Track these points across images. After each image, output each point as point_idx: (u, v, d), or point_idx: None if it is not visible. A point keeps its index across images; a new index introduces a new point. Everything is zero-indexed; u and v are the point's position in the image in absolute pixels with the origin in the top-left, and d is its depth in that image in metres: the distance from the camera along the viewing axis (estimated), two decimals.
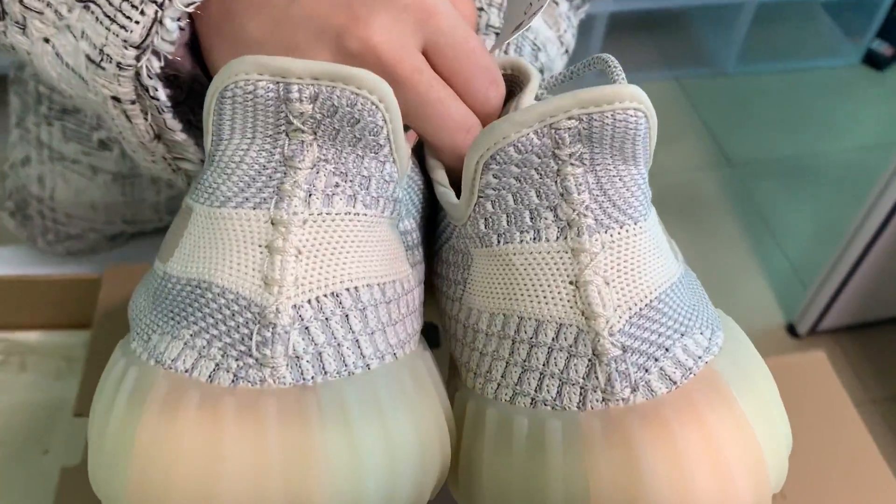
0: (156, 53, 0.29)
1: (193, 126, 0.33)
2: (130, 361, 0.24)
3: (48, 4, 0.30)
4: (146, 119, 0.31)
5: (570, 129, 0.24)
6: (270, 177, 0.24)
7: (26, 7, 0.30)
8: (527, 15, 0.32)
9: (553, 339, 0.25)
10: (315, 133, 0.24)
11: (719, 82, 1.88)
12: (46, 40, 0.31)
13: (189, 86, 0.33)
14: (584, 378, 0.24)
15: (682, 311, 0.25)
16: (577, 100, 0.24)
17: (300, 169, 0.24)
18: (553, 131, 0.24)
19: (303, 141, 0.24)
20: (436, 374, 0.26)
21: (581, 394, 0.24)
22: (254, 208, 0.24)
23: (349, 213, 0.25)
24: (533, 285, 0.25)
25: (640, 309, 0.25)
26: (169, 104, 0.30)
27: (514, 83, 0.33)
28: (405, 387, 0.25)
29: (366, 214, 0.25)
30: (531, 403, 0.25)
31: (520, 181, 0.25)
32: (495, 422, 0.25)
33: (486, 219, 0.26)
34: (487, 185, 0.26)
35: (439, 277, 0.31)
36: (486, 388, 0.26)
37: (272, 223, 0.24)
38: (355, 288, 0.24)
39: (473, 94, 0.30)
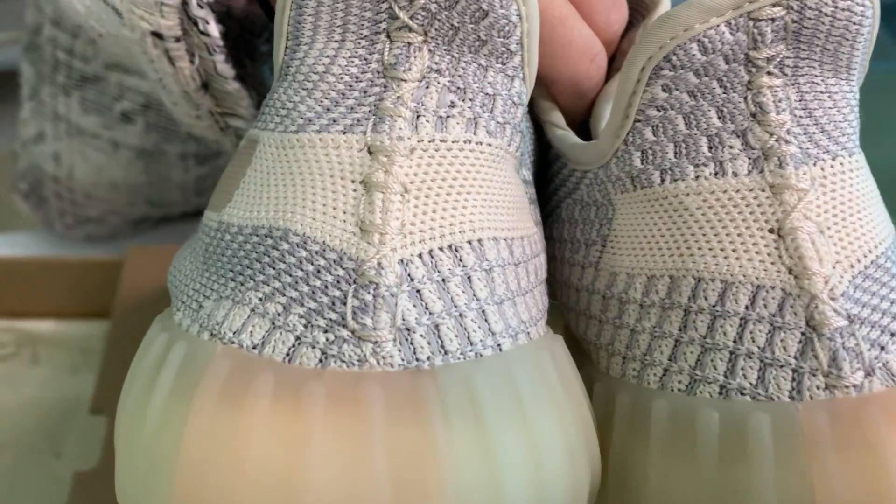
0: None
1: (246, 75, 0.27)
2: (175, 336, 0.18)
3: None
4: (192, 62, 0.25)
5: (774, 20, 0.18)
6: (366, 91, 0.18)
7: None
8: None
9: (748, 307, 0.18)
10: (426, 33, 0.18)
11: None
12: None
13: (239, 29, 0.27)
14: (796, 358, 0.17)
15: None
16: None
17: (405, 81, 0.18)
18: (752, 23, 0.18)
19: (409, 43, 0.18)
20: (573, 362, 0.20)
21: (795, 379, 0.17)
22: (344, 132, 0.18)
23: (468, 142, 0.18)
24: (716, 234, 0.19)
25: (866, 267, 0.18)
26: (221, 43, 0.24)
27: (633, 9, 0.27)
28: (547, 375, 0.18)
29: (490, 144, 0.19)
30: (720, 393, 0.18)
31: (695, 97, 0.19)
32: (666, 418, 0.19)
33: (643, 151, 0.20)
34: (652, 101, 0.19)
35: (559, 242, 0.24)
36: (646, 376, 0.20)
37: (369, 151, 0.18)
38: (479, 241, 0.18)
39: (594, 14, 0.24)
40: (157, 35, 0.24)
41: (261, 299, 0.17)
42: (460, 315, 0.17)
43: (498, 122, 0.19)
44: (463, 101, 0.18)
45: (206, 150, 0.49)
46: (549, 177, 0.25)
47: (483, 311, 0.17)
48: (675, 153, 0.19)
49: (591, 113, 0.26)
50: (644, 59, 0.19)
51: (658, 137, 0.20)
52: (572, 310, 0.23)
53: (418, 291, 0.17)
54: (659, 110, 0.19)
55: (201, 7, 0.23)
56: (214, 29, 0.24)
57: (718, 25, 0.18)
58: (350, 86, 0.18)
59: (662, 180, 0.20)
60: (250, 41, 0.29)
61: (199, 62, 0.25)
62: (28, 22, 0.57)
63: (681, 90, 0.19)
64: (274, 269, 0.17)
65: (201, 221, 0.21)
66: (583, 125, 0.26)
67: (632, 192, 0.20)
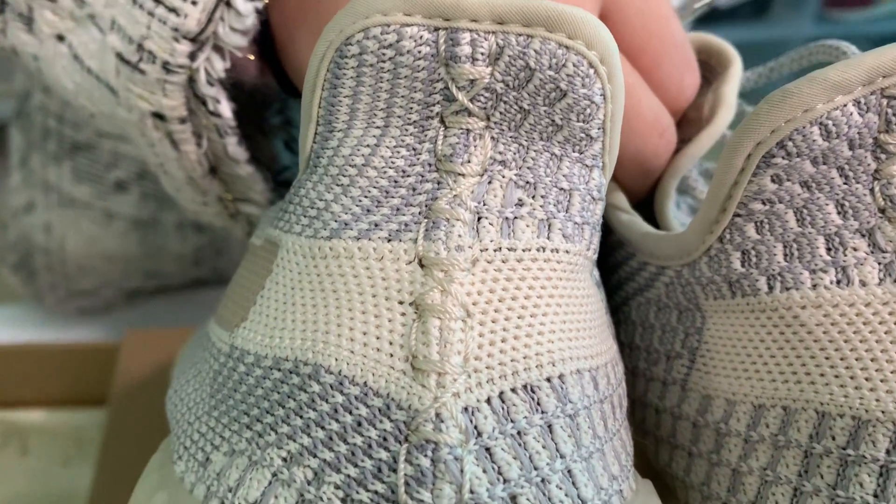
0: (219, 50, 0.20)
1: (257, 150, 0.24)
2: (176, 497, 0.14)
3: None
4: (199, 146, 0.22)
5: None
6: (415, 188, 0.15)
7: None
8: None
9: (889, 451, 0.14)
10: (489, 117, 0.15)
11: (751, 91, 1.79)
12: (61, 38, 0.22)
13: (250, 102, 0.24)
14: None
15: None
16: None
17: (463, 175, 0.15)
18: (885, 102, 0.15)
19: (468, 130, 0.15)
20: None
21: None
22: (389, 239, 0.14)
23: (542, 250, 0.15)
24: (842, 359, 0.15)
25: None
26: (234, 124, 0.21)
27: (703, 70, 0.24)
28: None
29: (567, 251, 0.15)
30: None
31: (810, 188, 0.16)
32: None
33: (745, 252, 0.17)
34: (758, 194, 0.16)
35: (626, 348, 0.21)
36: None
37: (420, 264, 0.14)
38: (560, 377, 0.14)
39: (664, 80, 0.21)
40: (158, 116, 0.21)
41: (285, 460, 0.13)
42: (542, 481, 0.13)
43: (575, 223, 0.15)
44: (533, 198, 0.15)
45: None
46: (610, 264, 0.22)
47: (569, 472, 0.14)
48: (786, 255, 0.16)
49: (655, 189, 0.22)
50: (752, 145, 0.15)
51: (763, 236, 0.16)
52: (651, 434, 0.20)
53: (488, 451, 0.13)
54: (765, 204, 0.16)
55: (211, 84, 0.20)
56: (227, 108, 0.21)
57: (846, 105, 0.15)
58: (395, 181, 0.15)
59: (770, 288, 0.16)
60: (261, 112, 0.26)
61: (208, 144, 0.22)
62: (17, 88, 0.54)
63: (793, 181, 0.16)
64: (302, 418, 0.14)
65: (208, 335, 0.18)
66: (645, 201, 0.23)
67: (729, 299, 0.17)
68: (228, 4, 0.19)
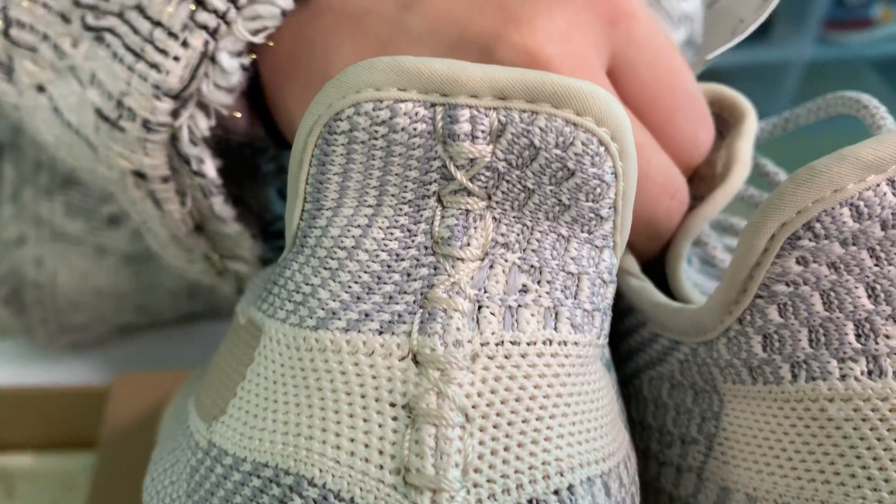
0: (203, 107, 0.19)
1: (247, 209, 0.22)
2: None
3: (45, 38, 0.20)
4: (184, 204, 0.20)
5: None
6: (409, 274, 0.13)
7: (12, 42, 0.20)
8: (736, 35, 0.22)
9: None
10: (490, 196, 0.13)
11: (766, 143, 1.79)
12: (41, 89, 0.21)
13: (239, 151, 0.22)
14: None
15: None
16: None
17: (462, 260, 0.13)
18: None
19: (468, 210, 0.13)
20: None
21: None
22: (380, 331, 0.13)
23: (548, 343, 0.14)
24: (875, 459, 0.14)
25: None
26: (220, 182, 0.20)
27: (716, 123, 0.22)
28: None
29: (576, 343, 0.14)
30: None
31: (838, 270, 0.14)
32: None
33: (766, 336, 0.15)
34: (782, 276, 0.15)
35: (637, 425, 0.20)
36: None
37: (415, 360, 0.13)
38: (569, 488, 0.13)
39: (677, 136, 0.20)
40: (139, 175, 0.20)
41: None
42: None
43: (585, 311, 0.14)
44: (539, 283, 0.14)
45: None
46: (620, 331, 0.21)
47: None
48: (812, 342, 0.15)
49: (666, 249, 0.21)
50: (776, 226, 0.14)
51: (787, 320, 0.15)
52: None
53: None
54: (789, 286, 0.15)
55: (195, 144, 0.19)
56: (211, 168, 0.19)
57: (879, 185, 0.14)
58: (388, 266, 0.13)
59: (795, 377, 0.15)
60: (252, 158, 0.24)
61: (192, 203, 0.21)
62: (9, 119, 0.54)
63: (820, 262, 0.14)
64: None
65: (187, 426, 0.16)
66: (655, 259, 0.22)
67: (750, 385, 0.16)
68: (213, 60, 0.18)
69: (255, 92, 0.21)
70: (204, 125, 0.19)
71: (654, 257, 0.22)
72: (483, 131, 0.13)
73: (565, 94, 0.13)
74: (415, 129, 0.13)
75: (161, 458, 0.17)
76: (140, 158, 0.19)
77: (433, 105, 0.13)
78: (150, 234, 0.23)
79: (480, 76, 0.13)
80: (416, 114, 0.13)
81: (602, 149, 0.13)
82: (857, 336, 0.14)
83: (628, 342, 0.20)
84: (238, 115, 0.20)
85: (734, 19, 0.24)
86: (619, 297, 0.20)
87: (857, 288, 0.14)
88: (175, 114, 0.18)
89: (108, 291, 0.55)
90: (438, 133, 0.13)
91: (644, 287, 0.19)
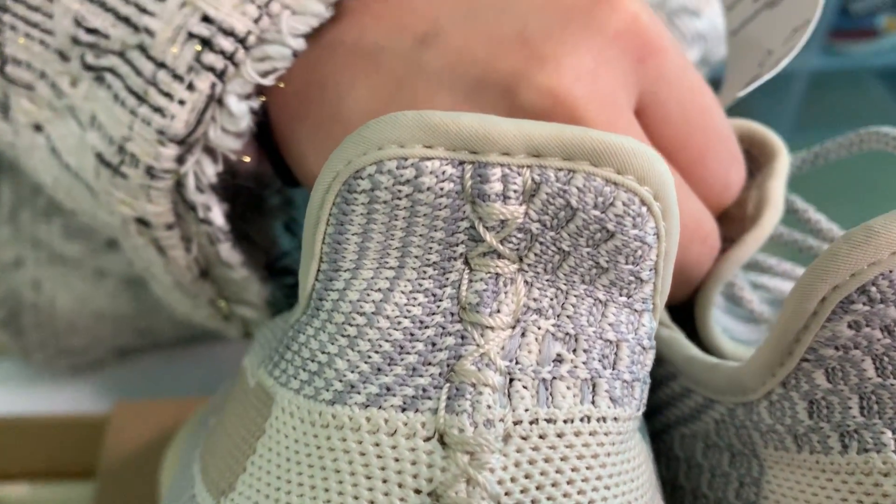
0: (210, 152, 0.18)
1: (253, 246, 0.21)
2: None
3: (42, 75, 0.19)
4: (189, 251, 0.19)
5: None
6: (434, 343, 0.12)
7: (8, 80, 0.19)
8: (765, 68, 0.21)
9: None
10: (521, 258, 0.12)
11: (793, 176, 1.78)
12: (38, 128, 0.20)
13: (246, 190, 0.22)
14: None
15: None
16: None
17: (493, 329, 0.12)
18: None
19: (498, 273, 0.12)
20: None
21: None
22: (403, 408, 0.12)
23: (587, 420, 0.13)
24: None
25: None
26: (227, 228, 0.19)
27: (746, 161, 0.21)
28: None
29: (616, 419, 0.13)
30: None
31: (893, 334, 0.13)
32: None
33: (813, 402, 0.14)
34: (832, 339, 0.14)
35: (667, 485, 0.18)
36: None
37: (441, 441, 0.12)
38: None
39: (708, 178, 0.19)
40: (142, 222, 0.19)
41: None
42: None
43: (624, 381, 0.13)
44: (575, 352, 0.13)
45: None
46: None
47: None
48: (863, 410, 0.14)
49: (695, 295, 0.20)
50: (827, 289, 0.13)
51: (836, 385, 0.14)
52: None
53: None
54: (839, 350, 0.14)
55: (201, 191, 0.18)
56: (218, 215, 0.18)
57: None
58: (412, 334, 0.12)
59: (845, 447, 0.14)
60: (259, 193, 0.23)
61: (198, 250, 0.20)
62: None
63: (874, 326, 0.13)
64: None
65: (193, 495, 0.15)
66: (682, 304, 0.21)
67: (794, 453, 0.15)
68: (220, 103, 0.17)
69: (262, 128, 0.20)
70: (211, 171, 0.18)
71: (683, 301, 0.21)
72: (516, 191, 0.12)
73: (605, 152, 0.12)
74: (441, 189, 0.12)
75: None
76: (143, 205, 0.18)
77: (462, 163, 0.12)
78: (153, 279, 0.22)
79: (514, 132, 0.12)
80: (444, 172, 0.12)
81: (644, 209, 0.12)
82: None
83: (658, 394, 0.19)
84: (247, 159, 0.19)
85: (761, 50, 0.23)
86: None
87: None
88: (180, 160, 0.17)
89: (108, 314, 0.55)
90: (467, 193, 0.12)
91: (675, 338, 0.18)
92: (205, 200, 0.18)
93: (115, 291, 0.54)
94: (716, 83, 0.23)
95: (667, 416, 0.19)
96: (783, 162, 0.20)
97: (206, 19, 0.17)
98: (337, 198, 0.13)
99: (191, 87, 0.17)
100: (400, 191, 0.12)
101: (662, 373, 0.19)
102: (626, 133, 0.17)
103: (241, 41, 0.17)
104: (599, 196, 0.12)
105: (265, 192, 0.24)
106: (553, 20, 0.17)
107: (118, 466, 0.42)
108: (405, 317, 0.13)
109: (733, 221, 0.20)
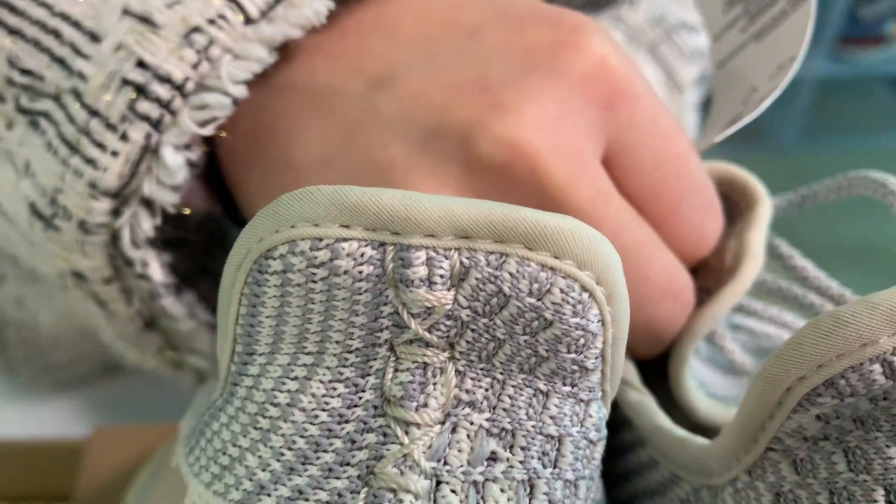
0: (147, 204, 0.17)
1: (216, 271, 0.20)
2: None
3: None
4: (130, 303, 0.18)
5: None
6: (353, 440, 0.11)
7: None
8: (748, 105, 0.20)
9: None
10: (453, 345, 0.11)
11: (779, 161, 1.76)
12: None
13: (202, 224, 0.20)
14: None
15: None
16: None
17: (418, 425, 0.11)
18: None
19: (426, 363, 0.11)
20: None
21: None
22: None
23: None
24: None
25: None
26: (168, 282, 0.18)
27: (724, 206, 0.20)
28: None
29: None
30: None
31: (866, 426, 0.12)
32: None
33: (779, 495, 0.13)
34: (798, 431, 0.12)
35: None
36: None
37: None
38: None
39: (682, 229, 0.18)
40: (78, 276, 0.17)
41: None
42: None
43: (566, 481, 0.12)
44: (511, 450, 0.11)
45: None
46: (616, 444, 0.18)
47: None
48: (832, 501, 0.13)
49: (670, 351, 0.19)
50: (792, 380, 0.12)
51: (804, 478, 0.13)
52: None
53: None
54: (807, 441, 0.13)
55: (137, 246, 0.17)
56: (157, 270, 0.17)
57: None
58: (329, 430, 0.11)
59: None
60: (219, 228, 0.22)
61: (140, 303, 0.19)
62: None
63: (844, 418, 0.12)
64: None
65: None
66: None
67: None
68: (156, 154, 0.16)
69: (212, 167, 0.19)
70: (147, 225, 0.17)
71: (655, 356, 0.19)
72: (442, 276, 0.11)
73: (540, 234, 0.11)
74: (360, 273, 0.11)
75: None
76: (78, 259, 0.17)
77: (382, 244, 0.11)
78: (98, 330, 0.21)
79: (439, 212, 0.11)
80: (362, 255, 0.11)
81: (586, 295, 0.11)
82: (889, 503, 0.12)
83: (625, 461, 0.18)
84: (187, 211, 0.18)
85: (746, 86, 0.21)
86: (617, 407, 0.18)
87: (889, 447, 0.12)
88: (116, 212, 0.16)
89: (91, 330, 0.54)
90: (389, 277, 0.11)
91: (644, 403, 0.17)
92: (142, 256, 0.17)
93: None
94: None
95: (635, 486, 0.17)
96: (765, 209, 0.19)
97: (141, 64, 0.16)
98: (248, 277, 0.11)
99: (124, 137, 0.16)
100: (314, 273, 0.11)
101: (631, 438, 0.18)
102: (593, 185, 0.16)
103: (179, 88, 0.16)
104: (535, 283, 0.11)
105: (228, 225, 0.23)
106: (515, 66, 0.16)
107: (94, 491, 0.41)
108: (323, 409, 0.11)
109: (710, 272, 0.19)
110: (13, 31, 0.17)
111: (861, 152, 1.82)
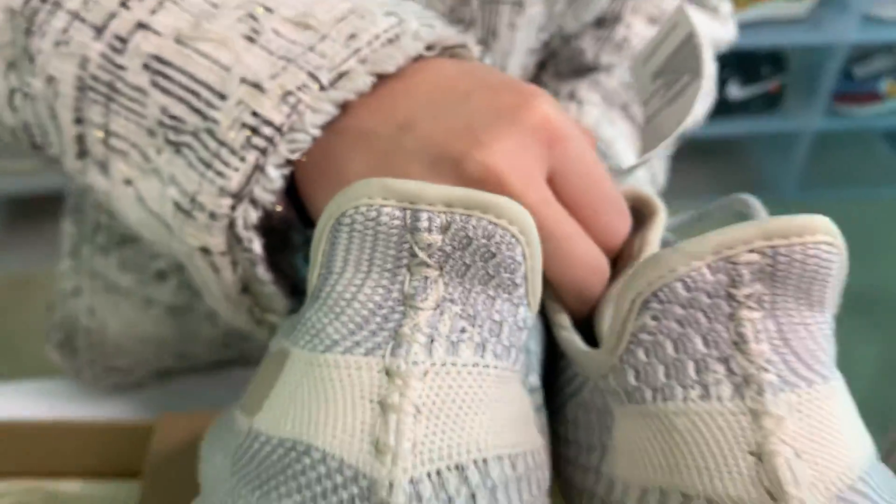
0: (254, 202, 0.26)
1: (283, 275, 0.30)
2: None
3: (134, 146, 0.27)
4: (235, 271, 0.27)
5: (750, 264, 0.20)
6: (387, 318, 0.20)
7: (110, 148, 0.27)
8: (681, 126, 0.29)
9: None
10: (441, 268, 0.20)
11: (781, 210, 1.82)
12: (128, 182, 0.28)
13: (278, 231, 0.30)
14: None
15: (889, 496, 0.20)
16: (760, 230, 0.20)
17: (422, 309, 0.20)
18: (730, 266, 0.20)
19: (427, 277, 0.20)
20: None
21: None
22: (365, 354, 0.20)
23: (477, 365, 0.20)
24: (701, 454, 0.20)
25: (842, 491, 0.20)
26: (263, 255, 0.27)
27: (635, 216, 0.29)
28: None
29: (496, 367, 0.21)
30: None
31: (683, 325, 0.21)
32: None
33: (637, 370, 0.22)
34: (643, 328, 0.21)
35: (563, 441, 0.26)
36: None
37: (387, 373, 0.20)
38: (483, 460, 0.20)
39: (600, 228, 0.27)
40: (204, 250, 0.27)
41: None
42: None
43: (504, 346, 0.21)
44: (473, 326, 0.21)
45: None
46: (557, 371, 0.27)
47: None
48: (666, 374, 0.21)
49: (595, 311, 0.28)
50: (634, 293, 0.21)
51: (650, 359, 0.22)
52: None
53: None
54: (650, 335, 0.21)
55: (246, 229, 0.26)
56: (258, 246, 0.26)
57: (700, 268, 0.20)
58: (373, 312, 0.20)
59: (654, 398, 0.21)
60: (286, 232, 0.31)
61: (242, 271, 0.28)
62: (76, 184, 0.60)
63: (669, 319, 0.21)
64: (296, 482, 0.19)
65: (233, 419, 0.23)
66: (588, 320, 0.28)
67: (627, 405, 0.22)
68: (262, 171, 0.25)
69: (291, 186, 0.29)
70: (254, 216, 0.26)
71: (586, 315, 0.28)
72: (436, 227, 0.20)
73: (490, 205, 0.20)
74: (392, 224, 0.20)
75: (212, 442, 0.24)
76: (206, 238, 0.26)
77: (404, 209, 0.20)
78: (207, 293, 0.30)
79: (435, 193, 0.20)
80: (393, 214, 0.20)
81: (513, 239, 0.20)
82: (696, 371, 0.21)
83: (561, 379, 0.27)
84: (279, 208, 0.27)
85: (662, 137, 0.31)
86: (558, 347, 0.27)
87: (695, 338, 0.21)
88: (233, 207, 0.26)
89: (152, 339, 0.61)
90: (407, 227, 0.20)
91: (570, 338, 0.26)
92: (249, 235, 0.26)
93: (159, 318, 0.61)
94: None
95: (565, 393, 0.26)
96: (661, 217, 0.28)
97: (254, 114, 0.25)
98: (331, 228, 0.21)
99: (243, 159, 0.25)
100: (368, 224, 0.20)
101: (564, 363, 0.26)
102: (539, 193, 0.25)
103: (278, 129, 0.25)
104: (485, 231, 0.20)
105: (291, 233, 0.32)
106: (490, 117, 0.25)
107: (161, 468, 0.45)
108: (370, 302, 0.20)
109: (623, 259, 0.28)
110: (165, 91, 0.27)
111: (856, 202, 1.87)
